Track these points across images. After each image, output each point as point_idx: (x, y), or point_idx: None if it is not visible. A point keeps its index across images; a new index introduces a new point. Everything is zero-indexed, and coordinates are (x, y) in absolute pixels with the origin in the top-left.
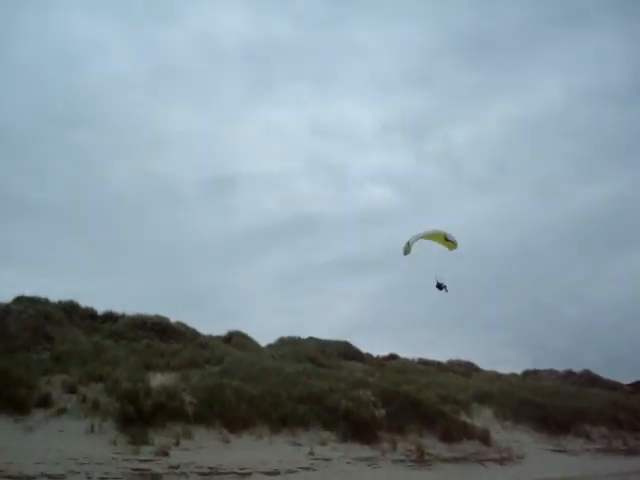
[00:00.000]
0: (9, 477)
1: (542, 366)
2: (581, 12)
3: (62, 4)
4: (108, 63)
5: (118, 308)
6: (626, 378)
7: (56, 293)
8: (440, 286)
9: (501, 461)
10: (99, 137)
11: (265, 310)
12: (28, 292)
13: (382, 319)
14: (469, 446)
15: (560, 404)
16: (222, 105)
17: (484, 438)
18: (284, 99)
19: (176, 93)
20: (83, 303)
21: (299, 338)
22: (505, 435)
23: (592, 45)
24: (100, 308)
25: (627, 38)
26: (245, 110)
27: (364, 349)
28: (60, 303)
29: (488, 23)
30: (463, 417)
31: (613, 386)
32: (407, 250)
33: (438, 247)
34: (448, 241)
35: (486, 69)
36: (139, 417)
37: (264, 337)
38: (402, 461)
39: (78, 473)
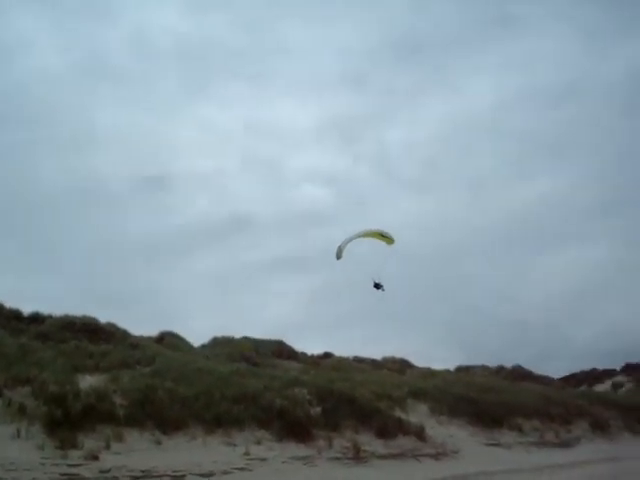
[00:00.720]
0: None
1: (474, 362)
2: (511, 16)
3: None
4: (38, 59)
5: (46, 309)
6: (557, 373)
7: None
8: (377, 285)
9: (436, 456)
10: (29, 135)
11: (199, 310)
12: None
13: (317, 318)
14: (405, 442)
15: (493, 399)
16: (156, 103)
17: (419, 434)
18: (219, 98)
19: (110, 90)
20: (8, 304)
21: (233, 338)
22: (440, 430)
23: (522, 47)
24: (27, 309)
25: (555, 40)
26: (180, 108)
27: (299, 348)
28: None
29: (421, 26)
30: (398, 413)
31: (544, 380)
32: (339, 254)
33: (376, 243)
34: (384, 237)
35: (419, 71)
36: (67, 420)
37: (198, 337)
38: (338, 459)
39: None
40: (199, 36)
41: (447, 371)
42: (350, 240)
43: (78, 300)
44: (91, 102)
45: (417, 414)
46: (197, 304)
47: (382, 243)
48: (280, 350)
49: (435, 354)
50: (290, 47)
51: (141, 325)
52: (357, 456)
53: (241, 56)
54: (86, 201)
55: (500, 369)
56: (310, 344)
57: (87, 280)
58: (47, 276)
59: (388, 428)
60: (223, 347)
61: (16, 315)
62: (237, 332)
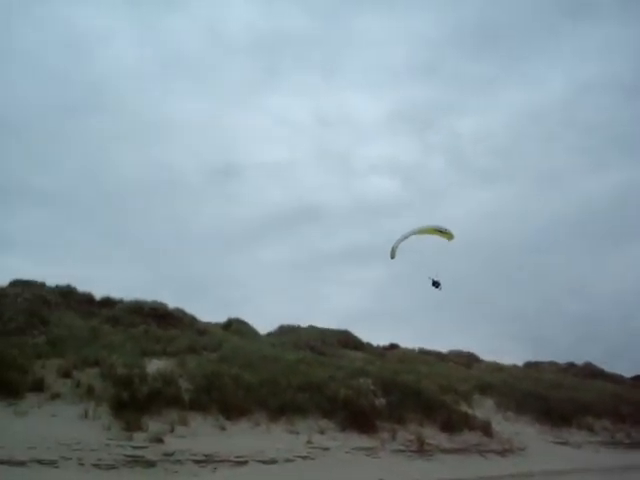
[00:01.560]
0: None
1: (543, 358)
2: (586, 3)
3: None
4: (115, 51)
5: (116, 294)
6: (628, 371)
7: (57, 279)
8: (436, 284)
9: (502, 453)
10: (104, 125)
11: (267, 299)
12: (26, 276)
13: (384, 309)
14: (470, 437)
15: (562, 396)
16: (228, 94)
17: (485, 429)
18: (291, 88)
19: (182, 81)
20: (81, 288)
21: (299, 326)
22: (507, 426)
23: (597, 36)
24: (98, 293)
25: (632, 29)
26: (251, 99)
27: (365, 339)
28: (57, 287)
29: (493, 14)
30: (464, 407)
31: (615, 379)
32: (393, 254)
33: (434, 239)
34: (443, 233)
35: (491, 60)
36: (134, 403)
37: (265, 325)
38: (402, 451)
39: (70, 459)
40: (270, 26)
41: (515, 366)
42: (404, 238)
43: (149, 287)
44: (167, 94)
45: (483, 409)
46: (266, 293)
47: (441, 239)
48: (346, 340)
49: (503, 348)
50: (361, 37)
51: (210, 312)
52: (421, 449)
53: (312, 46)
54: (160, 190)
55: (570, 366)
56: (376, 335)
57: (160, 268)
58: (122, 264)
59: (453, 422)
60: (289, 335)
61: (88, 299)
62: (304, 321)
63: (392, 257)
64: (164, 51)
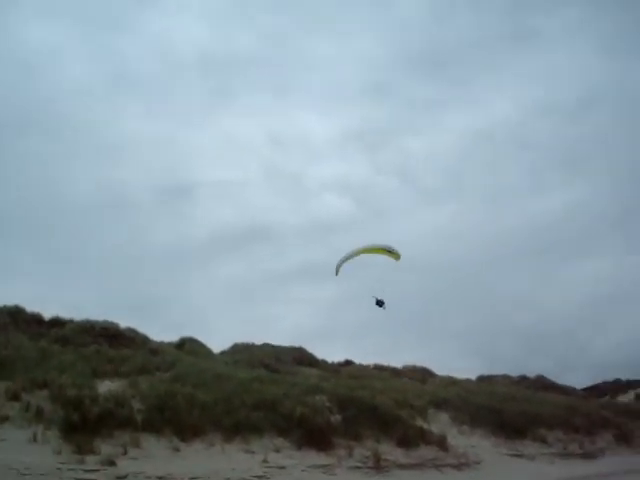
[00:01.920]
0: None
1: (496, 372)
2: (532, 30)
3: (17, 9)
4: (63, 69)
5: (66, 314)
6: (579, 383)
7: (3, 299)
8: (380, 303)
9: (458, 466)
10: (53, 144)
11: (219, 318)
12: None
13: (337, 326)
14: (426, 451)
15: (516, 409)
16: (179, 114)
17: (441, 443)
18: (242, 109)
19: (132, 101)
20: (30, 308)
21: (253, 344)
22: (462, 440)
23: (541, 61)
24: (48, 314)
25: (575, 55)
26: (203, 119)
27: (319, 355)
28: (4, 307)
29: (442, 38)
30: (420, 422)
31: (567, 391)
32: (337, 271)
33: (382, 258)
34: (390, 252)
35: (441, 82)
36: (85, 425)
37: (218, 344)
38: (359, 468)
39: None
40: (222, 48)
41: (468, 380)
42: (351, 257)
43: (100, 307)
44: (118, 113)
45: (439, 423)
46: (218, 312)
47: (388, 259)
48: (300, 357)
49: (456, 364)
50: (312, 59)
51: (162, 332)
52: (378, 465)
53: (264, 68)
54: (110, 210)
55: (522, 379)
56: (331, 352)
57: (110, 288)
58: (70, 284)
59: (409, 437)
60: (243, 353)
61: (37, 319)
62: (258, 339)
63: (336, 274)
64: (115, 70)
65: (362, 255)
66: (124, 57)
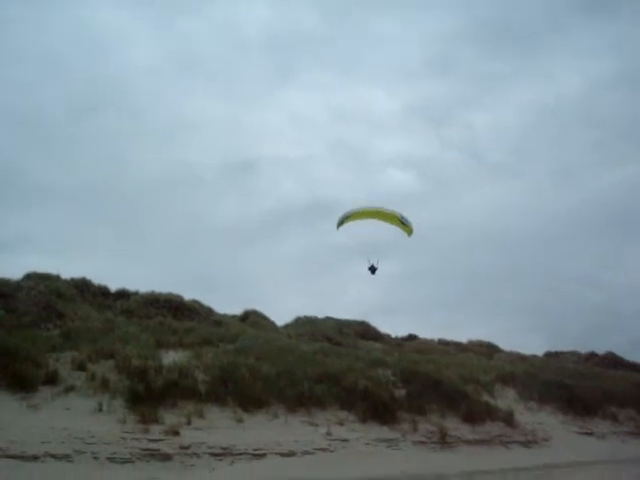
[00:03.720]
0: (10, 456)
1: (564, 348)
2: (599, 0)
3: None
4: (133, 51)
5: (132, 286)
6: None
7: (71, 272)
8: (373, 269)
9: (526, 443)
10: (121, 124)
11: (283, 293)
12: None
13: (401, 302)
14: (493, 428)
15: (585, 385)
16: (245, 93)
17: (508, 420)
18: (307, 86)
19: (199, 81)
20: (96, 281)
21: (316, 318)
22: (530, 417)
23: (610, 33)
24: (114, 286)
25: None
26: (268, 97)
27: (382, 330)
28: (72, 280)
29: (507, 12)
30: (486, 398)
31: (638, 368)
32: (340, 224)
33: (393, 230)
34: (403, 224)
35: (507, 56)
36: (149, 395)
37: (281, 318)
38: (423, 443)
39: (84, 453)
40: (286, 26)
41: (536, 356)
42: (358, 217)
43: (166, 281)
44: (184, 93)
45: (505, 399)
46: (282, 286)
47: (399, 231)
48: (363, 331)
49: (522, 340)
50: (376, 35)
51: (227, 305)
52: (443, 441)
53: (328, 45)
54: (178, 188)
55: (591, 356)
56: (394, 327)
57: (176, 263)
58: (139, 260)
59: (475, 413)
60: (306, 327)
61: (103, 292)
62: (320, 313)
63: (337, 228)
64: (180, 51)
65: (371, 221)
66: (190, 38)
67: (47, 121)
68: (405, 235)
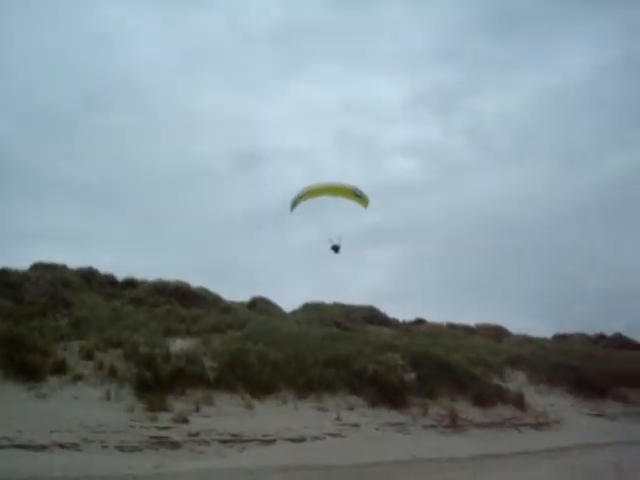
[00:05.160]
0: (19, 446)
1: (572, 330)
2: None
3: None
4: (142, 45)
5: (142, 276)
6: None
7: (79, 262)
8: (336, 248)
9: (537, 426)
10: (134, 117)
11: (290, 282)
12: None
13: (408, 288)
14: (503, 410)
15: (595, 367)
16: (252, 84)
17: (519, 402)
18: (313, 77)
19: (207, 74)
20: (103, 270)
21: (323, 303)
22: (540, 399)
23: (617, 16)
24: (121, 275)
25: None
26: (275, 89)
27: (390, 315)
28: (79, 270)
29: None
30: (496, 381)
31: None
32: (293, 206)
33: (347, 203)
34: (358, 197)
35: (512, 42)
36: (157, 383)
37: (289, 305)
38: (434, 426)
39: (93, 442)
40: (292, 17)
41: (544, 339)
42: (311, 194)
43: (175, 271)
44: (192, 86)
45: (515, 382)
46: (289, 275)
47: (355, 204)
48: (371, 316)
49: (530, 323)
50: (382, 23)
51: (235, 293)
52: (454, 424)
53: (334, 35)
54: (186, 178)
55: (600, 337)
56: (402, 312)
57: (186, 253)
58: (150, 251)
59: (485, 396)
60: (314, 313)
61: (110, 281)
62: (328, 300)
63: (291, 210)
64: (188, 45)
65: (325, 197)
66: (199, 32)
67: (60, 117)
68: (362, 207)
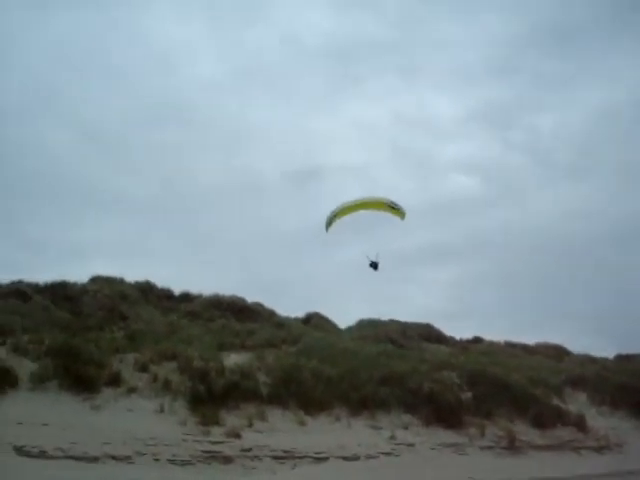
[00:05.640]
0: (72, 457)
1: (635, 350)
2: None
3: (154, 8)
4: (196, 64)
5: (195, 289)
6: None
7: (136, 276)
8: (374, 265)
9: (599, 449)
10: (188, 135)
11: (345, 299)
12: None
13: (465, 306)
14: (563, 432)
15: None
16: (306, 101)
17: (579, 424)
18: (369, 93)
19: (261, 91)
20: (160, 284)
21: (379, 320)
22: (602, 421)
23: None
24: (177, 289)
25: None
26: (329, 105)
27: (447, 332)
28: (136, 283)
29: (569, 12)
30: (556, 401)
31: None
32: (328, 225)
33: (396, 220)
34: (393, 209)
35: (566, 57)
36: (211, 397)
37: (344, 321)
38: (491, 448)
39: (145, 454)
40: (347, 33)
41: (606, 359)
42: (346, 212)
43: (230, 286)
44: (247, 103)
45: (576, 403)
46: (344, 292)
47: (392, 217)
48: (427, 333)
49: (592, 342)
50: (438, 39)
51: (289, 308)
52: (512, 446)
53: (389, 51)
54: (240, 195)
55: None
56: (459, 330)
57: (241, 268)
58: (204, 265)
59: (545, 417)
60: (369, 329)
61: (167, 294)
62: (384, 316)
63: (327, 230)
64: (242, 60)
65: (361, 211)
66: (252, 49)
67: (114, 134)
68: (398, 219)
